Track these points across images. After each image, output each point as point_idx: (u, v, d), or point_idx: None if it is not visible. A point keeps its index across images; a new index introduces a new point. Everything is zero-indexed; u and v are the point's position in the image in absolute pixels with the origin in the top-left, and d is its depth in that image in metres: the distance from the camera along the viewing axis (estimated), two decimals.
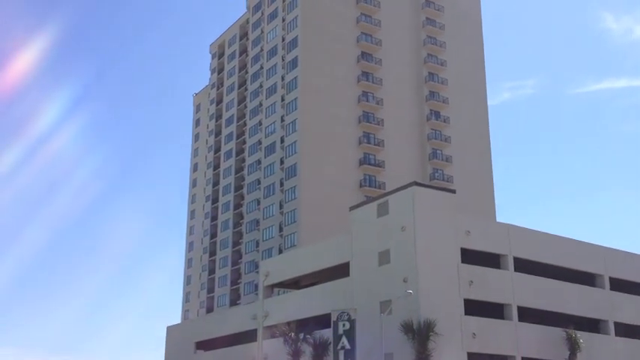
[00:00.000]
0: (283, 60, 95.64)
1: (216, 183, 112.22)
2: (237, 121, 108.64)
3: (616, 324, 60.05)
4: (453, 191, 57.65)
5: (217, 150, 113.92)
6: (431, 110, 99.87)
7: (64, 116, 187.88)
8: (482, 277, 52.70)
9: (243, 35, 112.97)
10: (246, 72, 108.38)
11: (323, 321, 54.11)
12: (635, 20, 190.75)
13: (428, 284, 49.63)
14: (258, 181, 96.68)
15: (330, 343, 51.87)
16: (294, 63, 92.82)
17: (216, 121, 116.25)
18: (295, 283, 65.77)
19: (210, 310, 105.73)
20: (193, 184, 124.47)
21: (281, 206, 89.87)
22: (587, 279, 60.23)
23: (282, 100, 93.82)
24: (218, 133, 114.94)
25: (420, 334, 47.77)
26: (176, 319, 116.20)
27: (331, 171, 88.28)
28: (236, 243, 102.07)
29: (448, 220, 52.61)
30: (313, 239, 76.82)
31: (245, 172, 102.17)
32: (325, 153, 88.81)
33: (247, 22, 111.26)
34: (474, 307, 51.62)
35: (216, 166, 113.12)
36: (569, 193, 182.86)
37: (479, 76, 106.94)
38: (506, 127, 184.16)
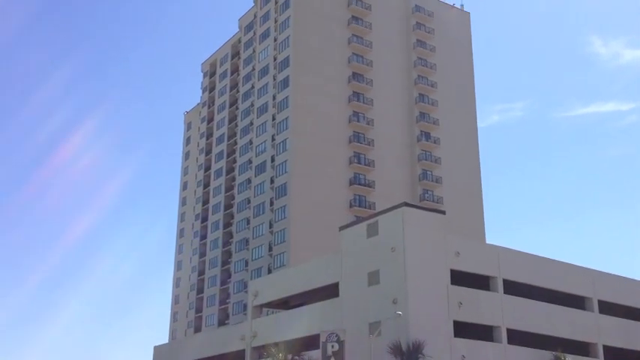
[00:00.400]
0: (274, 79, 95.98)
1: (205, 201, 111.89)
2: (228, 140, 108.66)
3: (605, 347, 60.01)
4: (443, 212, 57.68)
5: (207, 168, 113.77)
6: (421, 131, 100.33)
7: (57, 132, 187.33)
8: (472, 299, 52.61)
9: (235, 54, 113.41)
10: (238, 91, 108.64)
11: (312, 342, 53.75)
12: (623, 45, 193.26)
13: (417, 305, 49.46)
14: (248, 200, 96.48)
15: None
16: (285, 82, 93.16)
17: (207, 139, 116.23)
18: (284, 303, 65.38)
19: (198, 329, 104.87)
20: (183, 202, 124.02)
21: (271, 225, 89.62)
22: (576, 302, 60.28)
23: (273, 119, 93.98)
24: (208, 152, 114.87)
25: (409, 355, 47.49)
26: (164, 338, 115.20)
27: (321, 191, 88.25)
28: (225, 262, 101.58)
29: (438, 241, 52.61)
30: (303, 259, 76.50)
31: (235, 190, 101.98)
32: (315, 173, 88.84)
33: (239, 41, 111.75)
34: (463, 329, 51.46)
35: (206, 185, 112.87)
36: (558, 215, 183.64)
37: (469, 98, 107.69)
38: (496, 149, 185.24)
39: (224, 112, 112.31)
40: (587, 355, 59.29)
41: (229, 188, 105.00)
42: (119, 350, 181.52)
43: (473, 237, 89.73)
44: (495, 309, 53.91)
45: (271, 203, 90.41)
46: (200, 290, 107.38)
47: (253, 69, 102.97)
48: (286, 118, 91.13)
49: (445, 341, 50.04)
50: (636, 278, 66.08)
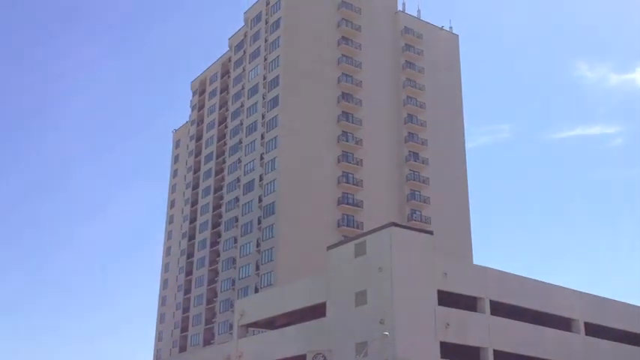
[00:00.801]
0: (264, 98, 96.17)
1: (193, 220, 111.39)
2: (217, 158, 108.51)
3: None
4: (431, 232, 57.64)
5: (195, 186, 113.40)
6: (410, 151, 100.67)
7: None
8: (459, 320, 52.44)
9: (225, 73, 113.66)
10: (227, 109, 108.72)
11: None
12: (608, 69, 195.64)
13: (404, 326, 49.23)
14: (236, 219, 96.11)
15: None
16: (274, 102, 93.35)
17: (196, 157, 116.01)
18: (271, 323, 64.88)
19: (183, 349, 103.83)
20: (170, 220, 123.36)
21: (258, 244, 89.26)
22: (562, 324, 60.25)
23: (262, 138, 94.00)
24: (197, 170, 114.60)
25: None
26: (148, 358, 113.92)
27: (309, 210, 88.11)
28: (211, 281, 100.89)
29: (425, 261, 52.53)
30: (290, 278, 76.16)
31: (223, 209, 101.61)
32: (304, 192, 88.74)
33: (229, 60, 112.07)
34: (450, 350, 51.23)
35: (194, 203, 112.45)
36: (545, 236, 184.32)
37: (457, 119, 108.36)
38: (484, 170, 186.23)
39: (213, 130, 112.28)
40: None
41: (217, 207, 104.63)
42: None
43: (460, 257, 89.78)
44: (482, 330, 53.75)
45: (259, 222, 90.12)
46: (186, 309, 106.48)
47: (243, 88, 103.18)
48: (275, 137, 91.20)
49: None
50: (623, 300, 66.20)
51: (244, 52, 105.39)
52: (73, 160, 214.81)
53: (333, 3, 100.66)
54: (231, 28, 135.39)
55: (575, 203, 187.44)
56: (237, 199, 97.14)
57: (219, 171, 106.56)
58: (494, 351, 53.77)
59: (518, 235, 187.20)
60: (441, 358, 50.48)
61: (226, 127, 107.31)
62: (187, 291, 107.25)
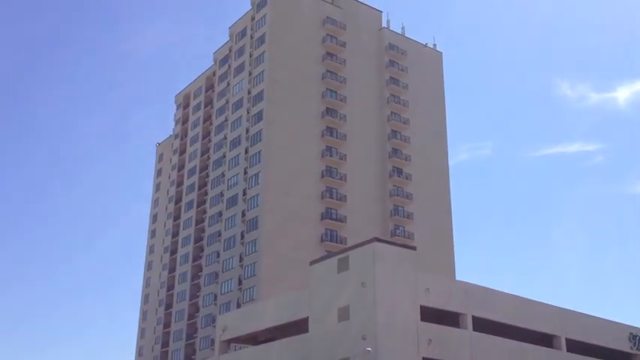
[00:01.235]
0: (248, 113, 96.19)
1: (175, 234, 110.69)
2: (200, 172, 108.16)
3: None
4: (414, 248, 57.68)
5: (178, 201, 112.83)
6: (393, 167, 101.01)
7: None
8: (441, 336, 52.37)
9: (209, 87, 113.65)
10: (211, 123, 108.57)
11: None
12: (588, 88, 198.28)
13: (387, 342, 49.06)
14: (219, 233, 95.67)
15: None
16: (259, 116, 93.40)
17: (179, 171, 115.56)
18: (253, 339, 64.40)
19: None
20: (152, 234, 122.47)
21: (241, 259, 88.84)
22: (544, 340, 60.40)
23: (246, 152, 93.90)
24: (180, 184, 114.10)
25: None
26: None
27: (293, 225, 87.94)
28: (193, 296, 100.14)
29: (408, 277, 52.50)
30: (273, 293, 75.84)
31: (206, 223, 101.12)
32: (287, 207, 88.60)
33: (214, 74, 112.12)
34: None
35: (177, 217, 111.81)
36: (527, 252, 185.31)
37: (440, 135, 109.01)
38: (465, 186, 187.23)
39: (197, 144, 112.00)
40: None
41: (200, 221, 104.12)
42: None
43: (443, 273, 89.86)
44: (464, 346, 53.71)
45: (242, 237, 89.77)
46: (167, 325, 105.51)
47: (227, 102, 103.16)
48: (259, 152, 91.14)
49: None
50: (604, 317, 66.52)
51: (229, 66, 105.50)
52: (55, 171, 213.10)
53: (318, 19, 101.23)
54: (216, 42, 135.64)
55: (557, 220, 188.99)
56: (220, 214, 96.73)
57: (203, 185, 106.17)
58: None
59: (501, 251, 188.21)
60: None
61: (210, 141, 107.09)
62: (169, 306, 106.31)
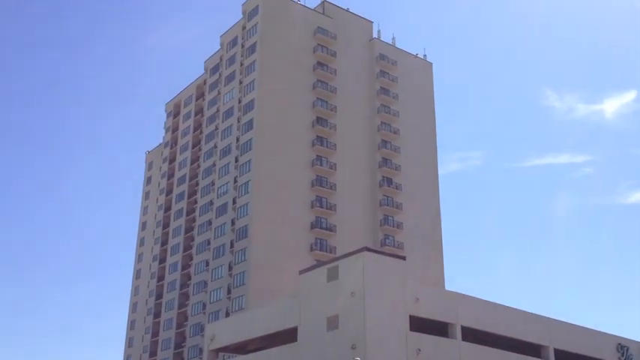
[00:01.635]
0: (239, 121, 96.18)
1: (164, 242, 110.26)
2: (190, 181, 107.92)
3: None
4: (404, 258, 57.84)
5: (168, 209, 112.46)
6: (383, 177, 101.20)
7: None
8: (430, 346, 52.43)
9: (200, 95, 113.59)
10: (201, 132, 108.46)
11: None
12: (577, 99, 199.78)
13: (376, 351, 49.06)
14: (208, 242, 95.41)
15: None
16: (249, 125, 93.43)
17: (168, 179, 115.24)
18: (242, 348, 64.22)
19: None
20: (141, 242, 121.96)
21: (230, 268, 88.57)
22: (532, 350, 60.57)
23: (236, 161, 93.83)
24: (169, 192, 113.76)
25: None
26: None
27: (283, 234, 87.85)
28: (182, 305, 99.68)
29: (398, 286, 52.57)
30: (262, 302, 75.59)
31: (195, 232, 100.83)
32: (277, 216, 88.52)
33: (204, 82, 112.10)
34: None
35: (166, 225, 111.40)
36: (516, 263, 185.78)
37: (430, 145, 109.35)
38: (455, 196, 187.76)
39: (187, 152, 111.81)
40: None
41: (189, 229, 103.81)
42: None
43: (432, 283, 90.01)
44: (453, 356, 53.78)
45: (231, 245, 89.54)
46: (155, 333, 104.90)
47: (218, 110, 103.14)
48: (249, 161, 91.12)
49: None
50: (592, 327, 66.82)
51: (220, 75, 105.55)
52: (45, 179, 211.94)
53: (310, 29, 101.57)
54: (207, 50, 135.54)
55: (546, 230, 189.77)
56: (209, 222, 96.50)
57: (192, 193, 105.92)
58: None
59: (490, 261, 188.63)
60: None
61: (200, 149, 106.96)
62: (157, 314, 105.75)
